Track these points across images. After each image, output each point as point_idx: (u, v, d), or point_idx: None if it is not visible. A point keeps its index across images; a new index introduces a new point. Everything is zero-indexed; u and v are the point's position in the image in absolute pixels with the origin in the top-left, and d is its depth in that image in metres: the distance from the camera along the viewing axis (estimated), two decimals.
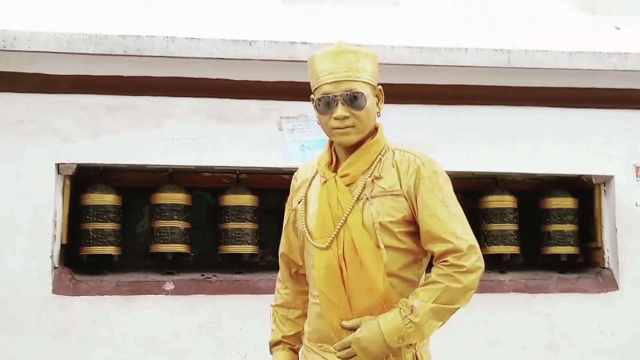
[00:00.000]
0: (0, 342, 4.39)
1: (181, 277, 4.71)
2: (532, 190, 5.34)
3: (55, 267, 4.55)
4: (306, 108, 4.76)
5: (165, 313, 4.57)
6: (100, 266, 4.77)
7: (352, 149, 2.47)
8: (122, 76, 4.63)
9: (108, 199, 4.76)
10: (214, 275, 4.74)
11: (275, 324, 2.68)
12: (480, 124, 4.98)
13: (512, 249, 5.08)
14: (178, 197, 4.82)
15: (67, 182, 4.68)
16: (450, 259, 2.32)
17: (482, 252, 4.72)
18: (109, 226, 4.74)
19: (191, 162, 4.75)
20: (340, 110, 2.39)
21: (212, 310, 4.61)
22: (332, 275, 2.38)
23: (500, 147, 5.01)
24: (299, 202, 2.55)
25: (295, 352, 2.63)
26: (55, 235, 4.58)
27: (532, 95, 4.97)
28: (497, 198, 5.12)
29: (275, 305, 2.71)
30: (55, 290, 4.49)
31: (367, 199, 2.39)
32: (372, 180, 2.42)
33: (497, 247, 5.07)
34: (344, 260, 2.36)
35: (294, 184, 2.65)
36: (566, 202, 5.18)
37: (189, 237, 4.87)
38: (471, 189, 5.30)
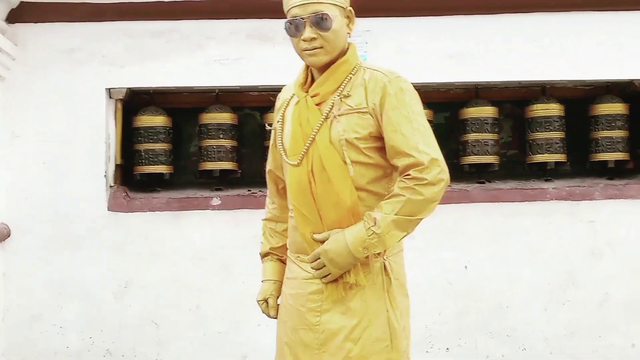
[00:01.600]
0: (61, 258, 4.76)
1: (228, 192, 4.94)
2: (582, 98, 5.24)
3: (110, 186, 4.86)
4: None
5: (212, 227, 4.82)
6: (153, 184, 5.05)
7: (324, 69, 2.56)
8: (165, 1, 4.79)
9: (158, 120, 5.00)
10: (260, 191, 4.93)
11: (265, 237, 2.85)
12: (526, 32, 4.90)
13: (558, 157, 5.05)
14: (224, 117, 5.01)
15: (119, 105, 4.94)
16: (412, 172, 2.41)
17: (527, 160, 4.80)
18: (159, 146, 4.99)
19: (234, 82, 4.90)
20: (308, 32, 2.49)
21: (257, 224, 4.79)
22: (303, 190, 2.51)
23: (548, 54, 4.92)
24: (277, 122, 2.68)
25: (283, 262, 2.78)
26: (109, 157, 4.87)
27: (579, 1, 4.83)
28: (543, 106, 5.06)
29: (264, 220, 2.88)
30: (110, 208, 4.80)
31: (335, 117, 2.50)
32: (341, 99, 2.51)
33: (541, 155, 5.04)
34: (313, 176, 2.49)
35: (277, 104, 2.77)
36: (616, 108, 5.07)
37: (237, 155, 5.08)
38: (520, 98, 5.26)
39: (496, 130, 5.08)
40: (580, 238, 4.87)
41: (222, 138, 4.99)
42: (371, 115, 2.48)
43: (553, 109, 5.05)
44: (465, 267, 4.86)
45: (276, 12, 4.80)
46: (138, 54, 4.84)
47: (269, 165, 2.83)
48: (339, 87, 2.53)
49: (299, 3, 2.49)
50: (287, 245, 2.71)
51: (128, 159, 5.06)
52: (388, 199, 2.43)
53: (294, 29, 2.52)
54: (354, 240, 2.41)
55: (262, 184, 5.04)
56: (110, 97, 4.89)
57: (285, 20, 2.55)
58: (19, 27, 4.78)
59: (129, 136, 5.06)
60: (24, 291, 4.75)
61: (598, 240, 4.87)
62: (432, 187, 2.41)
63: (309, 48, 2.51)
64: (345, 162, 2.47)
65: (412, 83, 4.88)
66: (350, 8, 2.60)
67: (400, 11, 4.86)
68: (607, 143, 5.06)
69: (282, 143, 2.62)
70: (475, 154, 5.04)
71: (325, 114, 2.51)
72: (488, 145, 5.03)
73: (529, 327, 4.81)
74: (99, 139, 4.82)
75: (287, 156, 2.58)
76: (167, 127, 5.03)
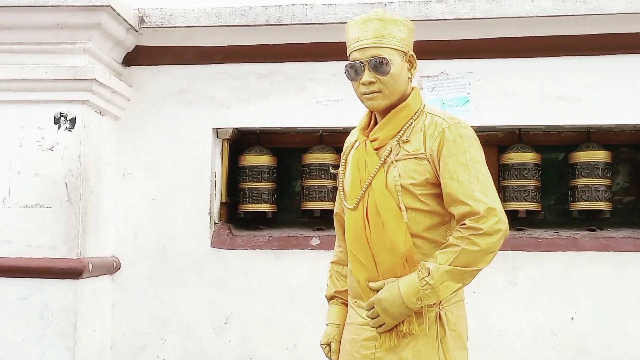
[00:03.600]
0: (166, 291, 4.90)
1: (328, 232, 4.95)
2: None
3: (215, 223, 4.99)
4: (446, 66, 4.83)
5: (311, 266, 4.83)
6: (257, 222, 5.14)
7: (385, 113, 2.55)
8: (268, 44, 4.91)
9: (263, 160, 5.11)
10: None
11: (331, 280, 2.85)
12: (636, 74, 4.67)
13: None
14: (326, 157, 5.05)
15: (225, 144, 5.08)
16: (468, 221, 2.35)
17: None
18: (263, 185, 5.09)
19: (336, 123, 4.93)
20: (367, 76, 2.49)
21: None
22: (359, 235, 2.50)
23: None
24: (341, 166, 2.68)
25: (347, 305, 2.77)
26: (215, 194, 5.01)
27: None
28: None
29: (332, 262, 2.89)
30: (213, 244, 4.91)
31: (392, 162, 2.48)
32: (399, 144, 2.49)
33: None
34: (368, 221, 2.48)
35: (344, 147, 2.78)
36: None
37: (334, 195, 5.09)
38: (636, 142, 5.01)
39: (608, 175, 4.85)
40: None
41: (323, 178, 5.03)
42: (428, 161, 2.44)
43: None
44: (572, 318, 4.63)
45: None
46: (244, 95, 4.97)
47: (336, 209, 2.84)
48: (399, 132, 2.52)
49: (359, 47, 2.51)
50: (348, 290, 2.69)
51: (233, 196, 5.18)
52: (443, 248, 2.38)
53: (354, 72, 2.53)
54: (407, 291, 2.37)
55: None
56: (217, 137, 5.04)
57: (346, 63, 2.56)
58: (134, 69, 5.02)
59: (235, 175, 5.18)
60: (131, 323, 4.93)
61: None
62: (489, 238, 2.33)
63: (367, 92, 2.51)
64: (400, 208, 2.43)
65: (519, 126, 4.83)
66: (412, 53, 2.57)
67: (506, 52, 4.75)
68: None
69: (342, 187, 2.62)
70: (585, 200, 4.83)
71: (383, 159, 2.49)
72: (599, 191, 4.81)
73: None
74: (205, 177, 4.96)
75: (346, 200, 2.57)
76: (271, 166, 5.13)
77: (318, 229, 5.02)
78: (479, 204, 2.35)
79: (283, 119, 4.98)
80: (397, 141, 2.50)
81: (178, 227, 4.94)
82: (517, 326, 4.65)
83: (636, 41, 4.64)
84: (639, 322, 4.56)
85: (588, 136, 4.94)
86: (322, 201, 5.02)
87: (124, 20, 4.57)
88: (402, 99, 2.55)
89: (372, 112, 2.63)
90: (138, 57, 5.01)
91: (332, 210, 4.97)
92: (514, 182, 4.86)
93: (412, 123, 2.52)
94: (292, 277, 4.86)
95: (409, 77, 2.57)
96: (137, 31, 4.83)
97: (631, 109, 4.70)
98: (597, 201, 4.81)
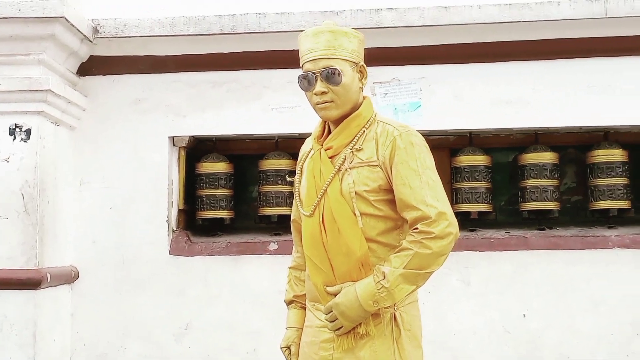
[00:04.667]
0: (126, 297, 4.93)
1: (286, 237, 5.02)
2: None
3: (173, 231, 5.03)
4: (398, 72, 4.94)
5: (270, 271, 4.90)
6: (215, 229, 5.19)
7: (339, 122, 2.63)
8: (222, 53, 4.97)
9: (219, 167, 5.16)
10: None
11: (289, 285, 2.93)
12: (580, 77, 4.83)
13: (621, 204, 4.92)
14: (282, 163, 5.12)
15: (182, 152, 5.13)
16: (420, 226, 2.44)
17: (589, 207, 4.71)
18: (220, 192, 5.15)
19: (291, 129, 5.01)
20: (319, 86, 2.57)
21: None
22: (315, 241, 2.58)
23: (608, 99, 4.83)
24: (297, 174, 2.76)
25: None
26: (172, 202, 5.04)
27: (633, 45, 4.75)
28: (605, 152, 4.96)
29: (290, 267, 2.96)
30: (172, 251, 4.95)
31: (347, 169, 2.56)
32: (352, 152, 2.58)
33: (604, 201, 4.93)
34: (324, 227, 2.56)
35: (300, 155, 2.85)
36: None
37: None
38: (582, 143, 5.17)
39: (556, 176, 5.01)
40: None
41: (280, 184, 5.10)
42: (381, 168, 2.53)
43: (615, 155, 4.95)
44: (524, 315, 4.77)
45: None
46: (199, 103, 5.02)
47: (293, 215, 2.92)
48: (352, 140, 2.60)
49: (311, 58, 2.59)
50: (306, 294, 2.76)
51: (191, 204, 5.22)
52: (397, 252, 2.47)
53: (307, 83, 2.61)
54: (363, 294, 2.45)
55: None
56: (173, 145, 5.07)
57: (299, 74, 2.64)
58: (89, 79, 5.04)
59: (192, 182, 5.22)
60: (90, 331, 4.94)
61: None
62: (440, 241, 2.43)
63: (320, 102, 2.59)
64: (354, 214, 2.51)
65: (469, 129, 4.95)
66: (363, 63, 2.66)
67: (455, 58, 4.87)
68: None
69: (298, 194, 2.69)
70: (534, 200, 4.97)
71: (338, 167, 2.58)
72: (548, 191, 4.96)
73: None
74: (162, 185, 5.00)
75: (302, 207, 2.65)
76: (228, 173, 5.19)
77: (276, 234, 5.09)
78: (430, 208, 2.44)
79: (239, 126, 5.04)
80: (350, 149, 2.58)
81: (136, 236, 4.97)
82: (471, 324, 4.77)
83: (580, 46, 4.80)
84: (589, 318, 4.72)
85: (536, 138, 5.09)
86: (279, 206, 5.09)
87: (78, 30, 4.60)
88: (354, 108, 2.64)
89: (325, 121, 2.71)
90: (93, 67, 5.03)
91: (289, 216, 5.07)
92: (465, 184, 4.99)
93: (364, 131, 2.61)
94: (251, 283, 4.92)
95: (360, 87, 2.66)
96: (91, 41, 4.85)
97: (576, 111, 4.86)
98: (546, 201, 4.96)
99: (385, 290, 2.43)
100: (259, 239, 5.05)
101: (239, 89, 5.02)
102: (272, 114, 5.00)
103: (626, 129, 5.03)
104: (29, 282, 4.35)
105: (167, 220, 4.98)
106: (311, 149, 2.74)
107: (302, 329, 2.81)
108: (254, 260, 4.95)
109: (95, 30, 4.83)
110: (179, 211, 5.12)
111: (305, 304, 2.84)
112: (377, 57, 4.82)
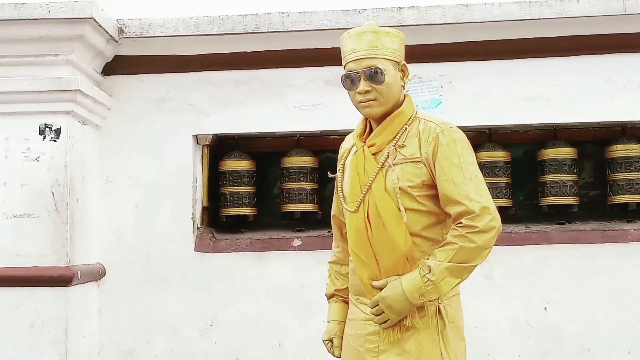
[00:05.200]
0: (152, 294, 5.00)
1: (309, 234, 5.09)
2: None
3: (197, 228, 5.09)
4: (419, 70, 4.99)
5: (293, 267, 4.98)
6: (238, 226, 5.26)
7: (380, 120, 2.70)
8: (246, 52, 5.03)
9: (242, 164, 5.23)
10: None
11: (330, 279, 3.00)
12: (599, 73, 4.90)
13: (639, 198, 4.99)
14: (305, 161, 5.20)
15: (206, 150, 5.19)
16: (464, 220, 2.51)
17: (608, 200, 4.78)
18: (244, 189, 5.21)
19: (313, 127, 5.08)
20: (362, 85, 2.64)
21: None
22: (360, 236, 2.65)
23: (623, 94, 4.90)
24: (339, 170, 2.83)
25: (347, 303, 2.92)
26: (196, 199, 5.11)
27: None
28: (623, 147, 5.03)
29: (330, 262, 3.04)
30: (197, 248, 5.02)
31: (390, 166, 2.63)
32: (396, 149, 2.65)
33: (622, 196, 5.00)
34: (369, 222, 2.63)
35: (340, 152, 2.93)
36: None
37: (317, 197, 5.24)
38: (599, 138, 5.24)
39: (575, 171, 5.08)
40: None
41: (302, 181, 5.17)
42: (424, 164, 2.60)
43: (633, 149, 5.01)
44: (545, 308, 4.84)
45: None
46: (223, 102, 5.09)
47: (333, 211, 2.98)
48: (394, 137, 2.67)
49: (354, 58, 2.65)
50: (349, 288, 2.83)
51: (214, 201, 5.30)
52: (442, 246, 2.54)
53: (350, 82, 2.68)
54: (410, 288, 2.53)
55: None
56: (197, 143, 5.14)
57: (342, 74, 2.71)
58: (114, 79, 5.10)
59: (215, 180, 5.30)
60: (117, 328, 5.01)
61: None
62: (484, 235, 2.50)
63: (363, 100, 2.66)
64: (399, 209, 2.58)
65: (489, 125, 5.02)
66: (404, 62, 2.73)
67: (475, 55, 4.94)
68: None
69: (342, 190, 2.76)
70: (554, 195, 5.05)
71: (381, 163, 2.64)
72: (567, 186, 5.03)
73: None
74: (186, 183, 5.06)
75: (346, 203, 2.72)
76: (250, 170, 5.25)
77: (299, 230, 5.16)
78: (473, 203, 2.52)
79: (262, 124, 5.11)
80: (393, 146, 2.65)
81: (161, 233, 5.04)
82: (494, 318, 4.84)
83: (599, 42, 4.87)
84: (609, 311, 4.79)
85: (555, 134, 5.15)
86: (302, 203, 5.16)
87: (105, 31, 4.66)
88: (396, 106, 2.71)
89: (367, 119, 2.78)
90: (117, 66, 5.09)
91: (312, 212, 5.20)
92: (485, 180, 5.01)
93: (406, 129, 2.68)
94: (275, 278, 4.99)
95: (402, 85, 2.73)
96: (116, 41, 4.91)
97: (595, 107, 4.93)
98: (566, 196, 5.03)
99: (431, 283, 2.50)
100: (282, 236, 5.11)
101: (261, 88, 5.09)
102: (295, 112, 5.06)
103: None
104: (60, 280, 4.42)
105: (192, 218, 5.05)
106: (353, 146, 2.81)
107: (344, 322, 2.88)
108: (277, 256, 5.02)
109: (121, 31, 4.89)
110: (203, 208, 5.19)
111: (346, 298, 2.92)
112: None
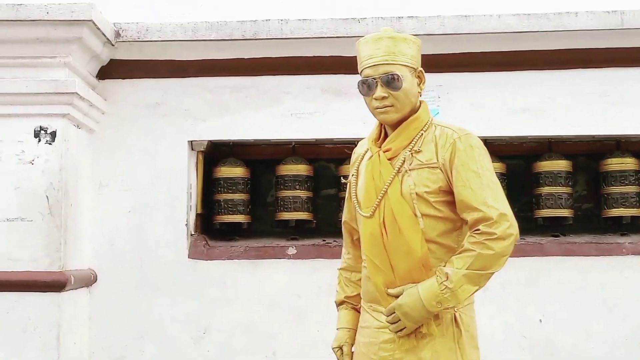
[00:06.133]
0: (144, 300, 4.94)
1: (303, 242, 5.06)
2: None
3: (191, 234, 5.04)
4: None
5: (288, 275, 4.94)
6: (232, 233, 5.22)
7: (396, 125, 2.69)
8: (243, 58, 5.01)
9: (237, 171, 5.19)
10: (334, 241, 5.02)
11: (340, 286, 2.97)
12: (595, 87, 4.94)
13: (634, 211, 5.03)
14: (300, 169, 5.17)
15: (200, 157, 5.15)
16: (481, 227, 2.49)
17: (602, 214, 4.80)
18: (238, 196, 5.17)
19: (309, 135, 5.06)
20: (379, 91, 2.62)
21: (331, 273, 4.89)
22: (376, 241, 2.62)
23: (618, 109, 4.94)
24: (352, 175, 2.81)
25: (357, 310, 2.89)
26: (190, 206, 5.06)
27: None
28: (618, 160, 5.06)
29: (340, 269, 3.00)
30: (191, 255, 4.97)
31: (406, 171, 2.61)
32: (412, 154, 2.63)
33: (617, 209, 5.03)
34: (385, 227, 2.60)
35: (353, 158, 2.91)
36: None
37: (312, 205, 5.22)
38: (593, 151, 5.27)
39: (570, 183, 5.10)
40: None
41: (298, 189, 5.14)
42: (441, 170, 2.59)
43: (629, 163, 5.05)
44: (540, 320, 4.85)
45: (350, 68, 4.99)
46: (218, 108, 5.05)
47: (344, 217, 2.95)
48: (410, 143, 2.65)
49: (371, 64, 2.64)
50: (361, 295, 2.80)
51: (208, 208, 5.25)
52: (459, 253, 2.52)
53: (367, 88, 2.66)
54: (427, 295, 2.50)
55: (336, 234, 5.19)
56: (192, 149, 5.10)
57: (358, 79, 2.69)
58: (109, 82, 5.05)
59: (210, 186, 5.25)
60: (108, 334, 4.94)
61: None
62: (502, 242, 2.48)
63: (380, 106, 2.64)
64: (415, 215, 2.57)
65: (484, 137, 5.00)
66: (421, 69, 2.72)
67: (472, 66, 4.95)
68: None
69: (356, 196, 2.74)
70: (549, 207, 5.06)
71: (397, 169, 2.63)
72: (562, 198, 5.05)
73: None
74: (180, 189, 5.02)
75: (360, 208, 2.69)
76: (245, 178, 5.21)
77: (293, 239, 5.13)
78: (491, 209, 2.50)
79: (258, 131, 5.08)
80: (409, 151, 2.64)
81: (155, 239, 4.98)
82: (489, 329, 4.80)
83: (596, 56, 4.91)
84: (603, 323, 4.80)
85: (549, 146, 5.17)
86: (297, 211, 5.13)
87: (103, 34, 4.62)
88: (412, 111, 2.70)
89: (381, 124, 2.76)
90: (112, 70, 5.04)
91: (307, 220, 5.16)
92: None
93: (422, 134, 2.67)
94: (269, 286, 4.95)
95: (418, 92, 2.72)
96: (113, 45, 4.87)
97: (590, 120, 4.96)
98: (561, 208, 5.05)
99: (449, 291, 2.48)
100: (276, 244, 5.08)
101: (258, 94, 5.06)
102: (291, 119, 5.04)
103: (638, 137, 5.13)
104: (54, 285, 4.34)
105: (186, 224, 5.00)
106: (366, 151, 2.79)
107: (354, 329, 2.85)
108: (272, 264, 4.98)
109: (117, 34, 4.85)
110: (197, 215, 5.14)
111: (356, 305, 2.89)
112: None
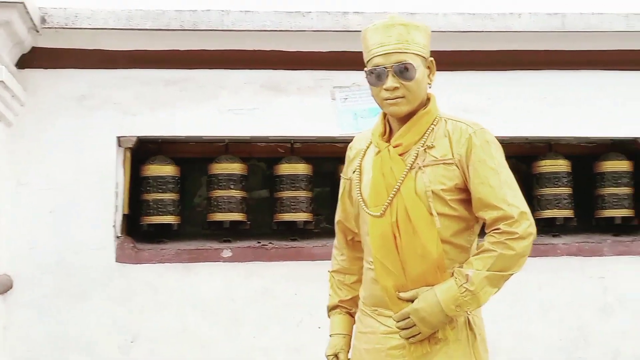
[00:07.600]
0: (67, 308, 4.59)
1: (238, 244, 4.84)
2: (586, 154, 5.31)
3: (117, 237, 4.72)
4: (359, 77, 4.75)
5: (223, 279, 4.71)
6: (160, 235, 4.92)
7: (404, 119, 2.54)
8: (179, 50, 4.74)
9: (167, 170, 4.90)
10: (270, 243, 4.84)
11: (333, 289, 2.78)
12: (534, 88, 4.98)
13: (566, 213, 5.09)
14: (234, 167, 4.94)
15: (128, 154, 4.83)
16: (502, 226, 2.37)
17: (534, 216, 4.80)
18: (168, 196, 4.89)
19: (246, 132, 4.85)
20: (391, 82, 2.46)
21: (268, 277, 4.74)
22: (386, 242, 2.45)
23: (554, 111, 5.00)
24: (354, 172, 2.63)
25: (352, 315, 2.72)
26: (117, 206, 4.74)
27: (587, 59, 4.94)
28: (551, 162, 5.13)
29: (332, 271, 2.81)
30: (118, 259, 4.65)
31: (420, 167, 2.46)
32: (425, 150, 2.48)
33: (550, 211, 5.08)
34: (398, 228, 2.43)
35: (349, 154, 2.73)
36: (621, 165, 5.16)
37: (245, 206, 4.99)
38: (525, 153, 5.31)
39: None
40: (591, 294, 4.90)
41: (232, 189, 4.91)
42: (457, 166, 2.45)
43: (561, 165, 5.11)
44: None
45: (291, 63, 4.88)
46: (150, 102, 4.76)
47: (338, 216, 2.77)
48: (421, 137, 2.50)
49: (382, 52, 2.47)
50: (362, 298, 2.63)
51: (134, 209, 4.93)
52: (478, 254, 2.39)
53: (376, 78, 2.49)
54: (446, 298, 2.35)
55: (270, 235, 5.02)
56: (120, 146, 4.77)
57: (366, 68, 2.52)
58: (29, 72, 4.66)
59: (135, 185, 4.93)
60: (26, 345, 4.55)
61: (608, 296, 4.90)
62: (523, 241, 2.39)
63: (390, 97, 2.48)
64: (431, 214, 2.42)
65: None
66: (432, 59, 2.58)
67: None
68: (614, 200, 5.12)
69: (360, 193, 2.56)
70: None
71: (410, 165, 2.47)
72: None
73: None
74: (107, 188, 4.69)
75: (367, 207, 2.52)
76: (175, 176, 4.94)
77: (225, 241, 4.89)
78: (512, 208, 2.39)
79: (191, 127, 4.84)
80: (422, 146, 2.48)
81: (79, 242, 4.65)
82: None
83: (537, 58, 4.98)
84: (543, 324, 4.83)
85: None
86: (231, 212, 4.90)
87: (30, 19, 4.24)
88: (421, 105, 2.55)
89: (385, 118, 2.60)
90: (34, 59, 4.66)
91: (242, 222, 4.93)
92: None
93: (433, 128, 2.52)
94: (203, 291, 4.72)
95: (428, 83, 2.58)
96: (37, 31, 4.49)
97: (526, 122, 5.01)
98: None
99: (470, 293, 2.34)
100: (209, 246, 4.84)
101: (193, 89, 4.81)
102: (227, 115, 4.81)
103: (568, 140, 5.21)
104: None
105: (114, 225, 4.67)
106: (368, 147, 2.62)
107: (350, 335, 2.68)
108: (206, 268, 4.75)
109: (43, 20, 4.47)
110: (123, 216, 4.81)
111: (350, 309, 2.72)
112: (339, 61, 4.82)
